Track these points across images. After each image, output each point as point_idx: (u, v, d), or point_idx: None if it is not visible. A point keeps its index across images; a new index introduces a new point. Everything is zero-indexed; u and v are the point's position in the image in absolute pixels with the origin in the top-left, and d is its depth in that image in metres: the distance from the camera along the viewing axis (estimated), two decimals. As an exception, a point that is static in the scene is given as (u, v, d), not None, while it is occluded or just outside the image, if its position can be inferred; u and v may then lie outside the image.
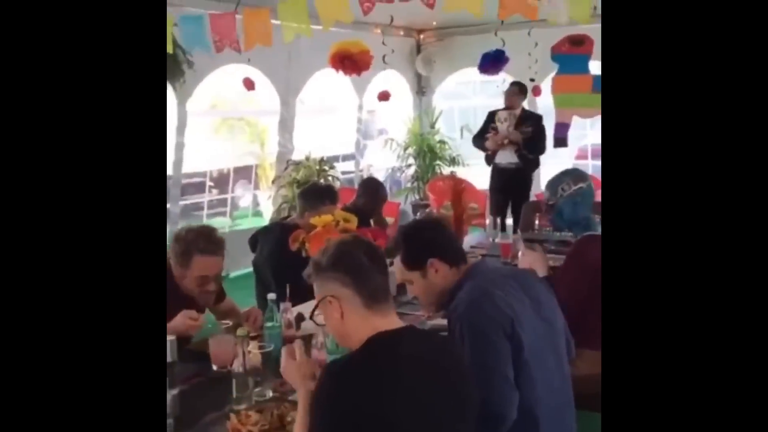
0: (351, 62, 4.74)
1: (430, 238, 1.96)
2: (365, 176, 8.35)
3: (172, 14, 3.89)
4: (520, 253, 2.95)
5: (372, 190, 3.61)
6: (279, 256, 2.98)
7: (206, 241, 2.36)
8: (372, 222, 3.62)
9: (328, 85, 7.38)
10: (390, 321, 1.55)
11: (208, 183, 8.41)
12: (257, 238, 3.29)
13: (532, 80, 6.52)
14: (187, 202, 7.40)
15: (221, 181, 8.61)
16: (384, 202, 3.59)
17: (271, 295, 2.36)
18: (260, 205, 9.19)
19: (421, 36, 8.03)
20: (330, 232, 2.45)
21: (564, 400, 1.94)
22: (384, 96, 5.19)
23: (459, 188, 3.32)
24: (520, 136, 5.47)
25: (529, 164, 5.70)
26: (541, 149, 5.69)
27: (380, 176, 9.32)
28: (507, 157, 5.65)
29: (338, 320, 1.54)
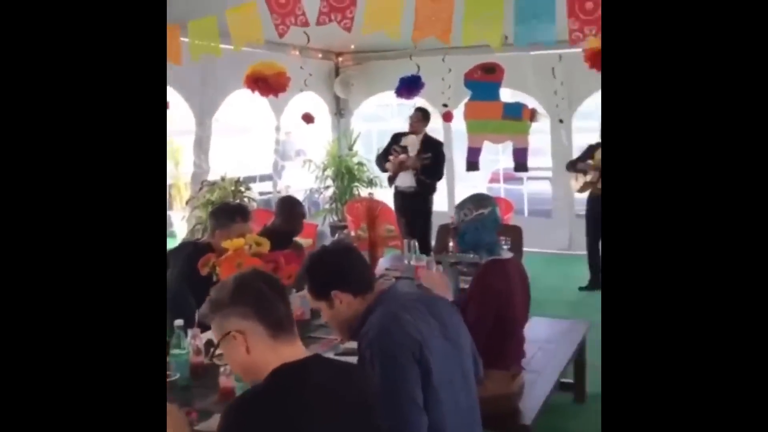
0: (266, 84, 4.74)
1: (332, 271, 1.95)
2: (287, 195, 8.32)
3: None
4: (422, 274, 3.00)
5: (288, 209, 3.58)
6: (188, 278, 2.92)
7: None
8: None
9: (244, 105, 7.31)
10: (296, 350, 1.54)
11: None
12: (167, 259, 3.20)
13: (444, 105, 6.70)
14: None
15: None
16: (302, 221, 3.56)
17: (178, 322, 2.30)
18: (173, 225, 8.93)
19: (340, 59, 8.10)
20: (241, 255, 2.42)
21: (471, 421, 1.98)
22: (308, 118, 5.21)
23: (374, 211, 3.34)
24: (418, 162, 5.63)
25: (426, 188, 5.88)
26: (439, 175, 5.92)
27: (299, 197, 9.31)
28: (406, 181, 5.84)
29: (244, 355, 1.51)
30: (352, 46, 7.76)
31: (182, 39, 3.47)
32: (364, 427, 1.51)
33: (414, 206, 5.83)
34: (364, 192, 7.92)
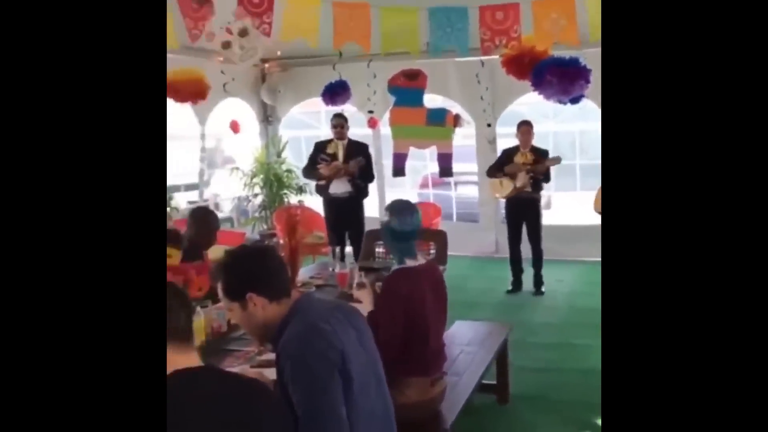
0: (186, 91, 4.64)
1: (248, 270, 1.91)
2: (212, 206, 8.15)
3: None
4: (355, 286, 2.98)
5: (201, 220, 3.49)
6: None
7: None
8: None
9: (168, 112, 7.12)
10: (189, 359, 1.53)
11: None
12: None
13: (370, 112, 6.73)
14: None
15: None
16: (215, 232, 3.47)
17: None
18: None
19: (266, 65, 8.01)
20: (152, 268, 2.35)
21: (387, 427, 1.97)
22: (234, 126, 5.12)
23: (294, 219, 3.30)
24: (356, 166, 5.61)
25: (361, 192, 5.85)
26: (371, 177, 5.89)
27: (227, 206, 9.15)
28: (341, 187, 5.74)
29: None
30: (279, 53, 7.69)
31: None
32: None
33: (350, 212, 5.75)
34: (294, 199, 7.85)
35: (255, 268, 1.92)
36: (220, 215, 8.45)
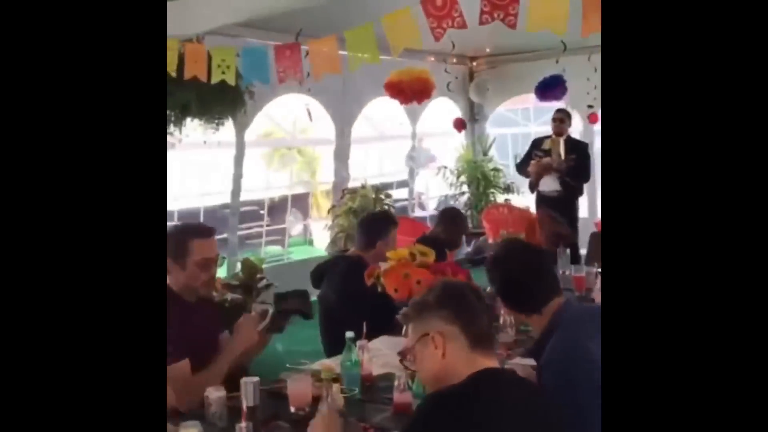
0: (411, 90, 4.72)
1: (550, 284, 1.92)
2: (417, 204, 8.30)
3: (234, 46, 3.93)
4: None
5: (450, 220, 3.53)
6: (349, 291, 2.91)
7: (197, 227, 2.48)
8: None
9: (381, 113, 7.37)
10: (491, 364, 1.52)
11: (264, 212, 8.43)
12: (321, 273, 3.22)
13: (590, 107, 6.40)
14: (243, 232, 7.42)
15: (276, 210, 8.63)
16: (463, 234, 3.49)
17: (350, 334, 2.27)
18: (311, 233, 9.19)
19: (474, 63, 7.97)
20: (407, 266, 2.37)
21: None
22: (459, 124, 5.16)
23: (531, 218, 3.19)
24: (563, 164, 5.39)
25: (571, 192, 5.61)
26: (585, 177, 5.63)
27: (432, 204, 9.26)
28: (550, 185, 5.59)
29: (438, 359, 1.50)
30: (488, 50, 7.61)
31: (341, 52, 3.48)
32: None
33: (559, 212, 5.57)
34: (500, 198, 7.73)
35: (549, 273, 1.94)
36: (424, 214, 8.61)
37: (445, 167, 8.01)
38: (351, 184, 6.57)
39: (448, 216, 3.57)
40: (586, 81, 5.90)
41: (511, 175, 8.00)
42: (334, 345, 2.81)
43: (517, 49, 7.34)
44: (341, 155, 6.60)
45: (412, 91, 4.69)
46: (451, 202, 8.26)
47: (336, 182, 6.58)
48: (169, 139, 4.37)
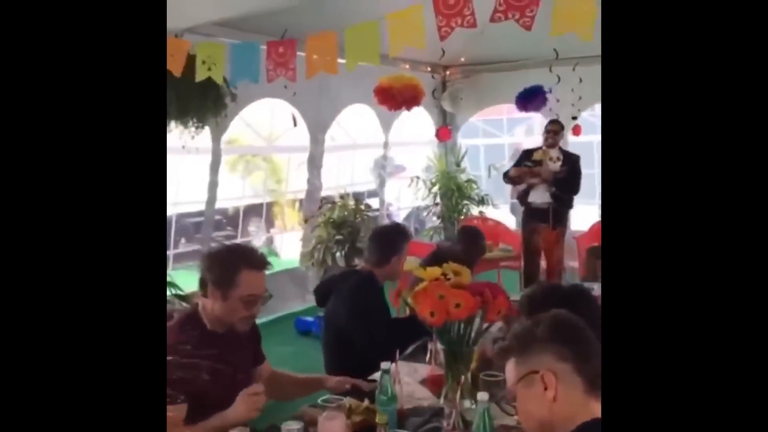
0: (402, 97, 4.50)
1: None
2: (389, 213, 8.06)
3: (222, 45, 3.63)
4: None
5: (471, 239, 3.33)
6: (362, 308, 2.68)
7: (252, 255, 2.08)
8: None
9: (354, 121, 7.13)
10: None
11: (223, 221, 8.05)
12: (327, 289, 2.95)
13: (574, 118, 6.31)
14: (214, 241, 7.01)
15: (236, 219, 8.24)
16: (482, 256, 3.28)
17: (385, 365, 2.00)
18: (273, 244, 8.82)
19: (447, 72, 7.82)
20: (440, 287, 2.12)
21: None
22: (443, 134, 4.98)
23: (550, 237, 3.00)
24: (551, 173, 5.29)
25: (561, 204, 5.53)
26: (576, 189, 5.55)
27: (402, 215, 9.04)
28: (541, 197, 5.51)
29: (547, 403, 1.27)
30: (462, 59, 7.47)
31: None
32: None
33: (548, 224, 5.48)
34: (474, 211, 7.58)
35: None
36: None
37: (418, 177, 7.82)
38: (324, 193, 6.30)
39: (469, 235, 3.40)
40: (570, 92, 5.81)
41: (484, 187, 7.88)
42: (341, 363, 2.68)
43: (491, 59, 7.22)
44: (314, 163, 6.32)
45: (402, 98, 4.48)
46: (424, 214, 8.07)
47: (309, 191, 6.30)
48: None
